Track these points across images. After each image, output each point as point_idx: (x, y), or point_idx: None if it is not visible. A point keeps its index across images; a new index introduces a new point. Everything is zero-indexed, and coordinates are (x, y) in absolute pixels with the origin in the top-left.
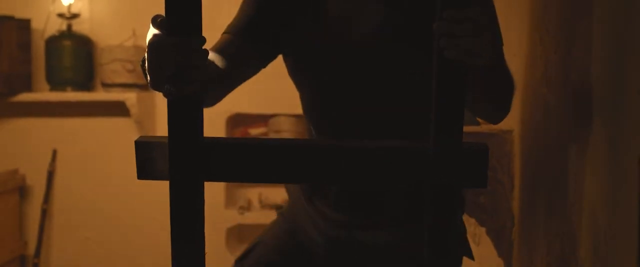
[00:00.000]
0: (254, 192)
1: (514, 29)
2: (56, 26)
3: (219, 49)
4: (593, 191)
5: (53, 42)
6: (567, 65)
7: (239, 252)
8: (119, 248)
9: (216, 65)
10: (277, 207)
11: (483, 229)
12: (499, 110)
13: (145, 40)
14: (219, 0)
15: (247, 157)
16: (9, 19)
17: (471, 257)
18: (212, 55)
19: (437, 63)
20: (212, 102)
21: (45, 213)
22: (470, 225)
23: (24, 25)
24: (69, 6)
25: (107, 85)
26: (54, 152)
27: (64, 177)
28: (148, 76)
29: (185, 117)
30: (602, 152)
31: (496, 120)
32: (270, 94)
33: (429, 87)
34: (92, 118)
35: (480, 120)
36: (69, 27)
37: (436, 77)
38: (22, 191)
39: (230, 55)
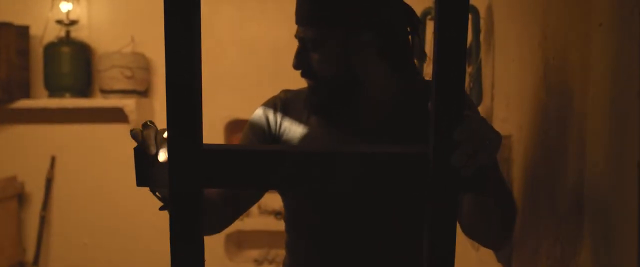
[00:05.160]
0: None
1: (513, 34)
2: (55, 33)
3: None
4: (592, 196)
5: (51, 49)
6: (566, 70)
7: (237, 258)
8: (118, 255)
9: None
10: (276, 214)
11: None
12: (499, 233)
13: (144, 48)
14: (218, 8)
15: (247, 164)
16: (8, 25)
17: None
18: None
19: (436, 70)
20: (223, 227)
21: (43, 220)
22: None
23: (23, 31)
24: (68, 13)
25: (105, 92)
26: (53, 159)
27: (62, 184)
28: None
29: (184, 123)
30: (601, 157)
31: (497, 243)
32: None
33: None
34: (91, 124)
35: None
36: (68, 33)
37: (435, 83)
38: (21, 198)
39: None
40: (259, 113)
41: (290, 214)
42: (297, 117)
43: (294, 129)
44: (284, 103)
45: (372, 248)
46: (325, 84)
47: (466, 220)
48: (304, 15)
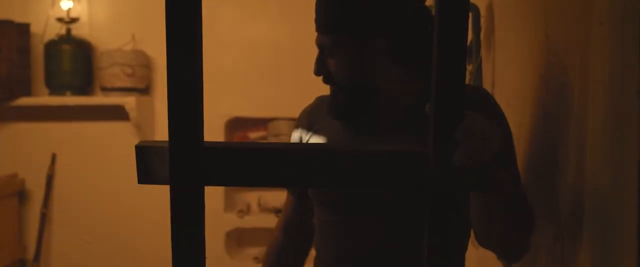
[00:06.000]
0: (253, 196)
1: (514, 33)
2: (55, 30)
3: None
4: (592, 194)
5: (52, 47)
6: (566, 69)
7: (238, 255)
8: (119, 252)
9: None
10: (276, 211)
11: None
12: (514, 242)
13: (145, 46)
14: (219, 6)
15: (247, 162)
16: (8, 23)
17: None
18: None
19: (435, 68)
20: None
21: (44, 217)
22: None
23: (23, 29)
24: (68, 10)
25: (106, 90)
26: (53, 157)
27: (63, 181)
28: None
29: (185, 121)
30: (601, 156)
31: (513, 252)
32: (269, 98)
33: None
34: (92, 122)
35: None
36: (68, 31)
37: (435, 81)
38: (22, 195)
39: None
40: (294, 137)
41: (316, 213)
42: (324, 124)
43: (319, 136)
44: (312, 113)
45: (378, 245)
46: (343, 89)
47: (476, 224)
48: (319, 23)
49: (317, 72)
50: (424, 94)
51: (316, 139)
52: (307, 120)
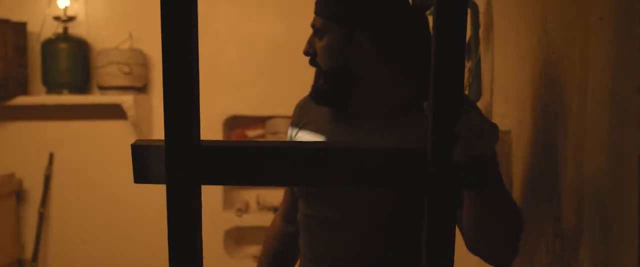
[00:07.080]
0: (251, 195)
1: (512, 29)
2: (52, 29)
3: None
4: (592, 191)
5: (49, 45)
6: (565, 66)
7: (236, 254)
8: (116, 252)
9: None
10: (275, 210)
11: None
12: (503, 245)
13: (142, 44)
14: (216, 4)
15: (245, 160)
16: (5, 22)
17: None
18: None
19: (434, 65)
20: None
21: (42, 217)
22: None
23: (20, 28)
24: (65, 9)
25: (103, 88)
26: (51, 156)
27: (61, 180)
28: None
29: (181, 120)
30: (600, 152)
31: (502, 257)
32: (267, 96)
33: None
34: (89, 121)
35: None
36: (65, 30)
37: (434, 78)
38: (19, 195)
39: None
40: (289, 132)
41: (300, 208)
42: (314, 115)
43: (308, 128)
44: (304, 105)
45: (362, 242)
46: (324, 74)
47: (466, 227)
48: (316, 4)
49: (306, 52)
50: (415, 94)
51: (305, 131)
52: (299, 113)
